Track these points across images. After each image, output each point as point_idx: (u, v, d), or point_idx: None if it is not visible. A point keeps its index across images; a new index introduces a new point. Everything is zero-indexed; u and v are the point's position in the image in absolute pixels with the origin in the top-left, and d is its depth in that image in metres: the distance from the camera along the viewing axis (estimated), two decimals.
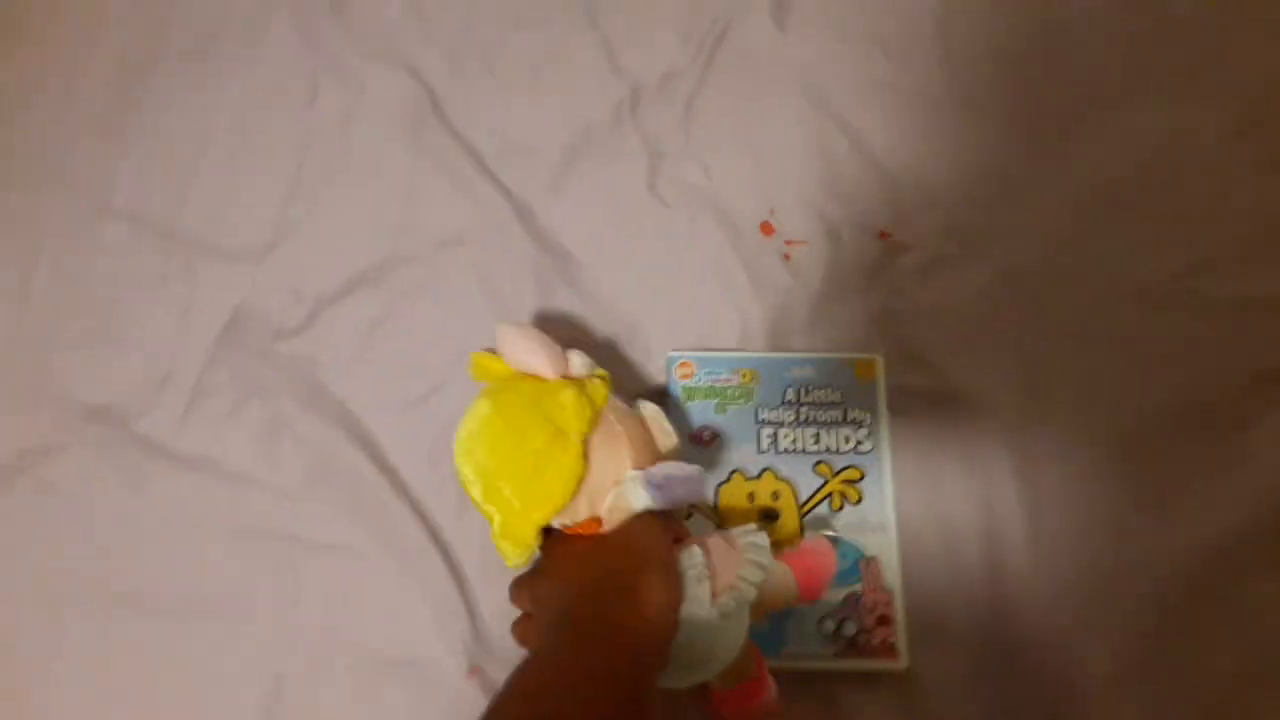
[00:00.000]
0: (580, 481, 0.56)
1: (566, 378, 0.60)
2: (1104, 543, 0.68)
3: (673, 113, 0.83)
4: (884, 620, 0.66)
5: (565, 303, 0.77)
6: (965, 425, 0.72)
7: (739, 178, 0.81)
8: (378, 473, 0.71)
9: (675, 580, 0.54)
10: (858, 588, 0.67)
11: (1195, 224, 0.77)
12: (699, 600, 0.54)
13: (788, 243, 0.78)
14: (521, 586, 0.59)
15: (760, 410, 0.72)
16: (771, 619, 0.65)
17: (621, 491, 0.56)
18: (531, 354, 0.59)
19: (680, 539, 0.59)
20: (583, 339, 0.75)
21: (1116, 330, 0.74)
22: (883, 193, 0.79)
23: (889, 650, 0.65)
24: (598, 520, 0.57)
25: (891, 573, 0.67)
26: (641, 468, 0.58)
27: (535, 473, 0.56)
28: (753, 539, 0.58)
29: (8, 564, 0.70)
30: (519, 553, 0.57)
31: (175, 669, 0.67)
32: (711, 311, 0.76)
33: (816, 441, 0.71)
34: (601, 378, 0.62)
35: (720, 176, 0.81)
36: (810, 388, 0.72)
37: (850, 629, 0.66)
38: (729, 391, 0.72)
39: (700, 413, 0.72)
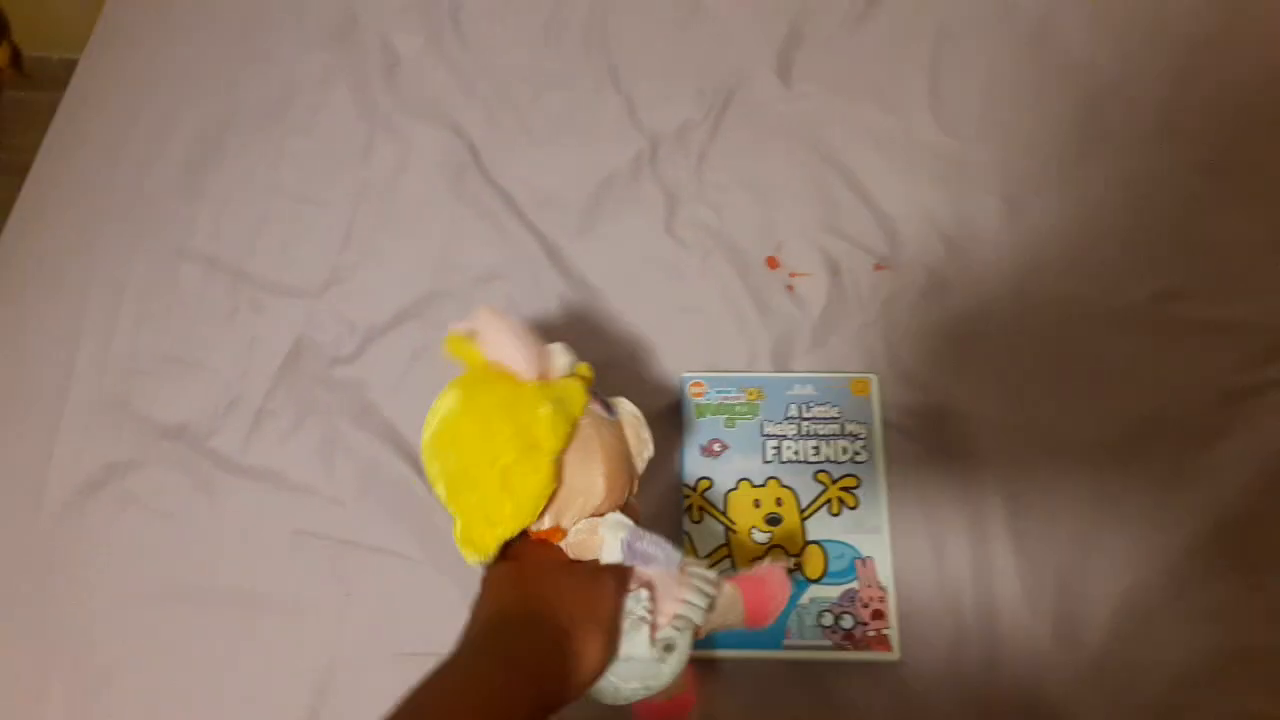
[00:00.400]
0: (550, 499, 0.54)
1: (544, 379, 0.57)
2: (1077, 547, 0.73)
3: (687, 162, 0.92)
4: (878, 615, 0.72)
5: (589, 329, 0.85)
6: (952, 438, 0.78)
7: (747, 218, 0.89)
8: (421, 483, 0.79)
9: (610, 646, 0.54)
10: (854, 585, 0.73)
11: (1165, 254, 0.83)
12: (639, 643, 0.55)
13: (791, 275, 0.86)
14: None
15: (765, 425, 0.79)
16: None
17: (600, 538, 0.55)
18: (510, 349, 0.56)
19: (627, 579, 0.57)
20: (603, 359, 0.82)
21: (1091, 351, 0.80)
22: (877, 229, 0.87)
23: (883, 642, 0.71)
24: (562, 531, 0.57)
25: (885, 571, 0.73)
26: (615, 479, 0.57)
27: (503, 488, 0.53)
28: (701, 574, 0.59)
29: (93, 565, 0.78)
30: (478, 559, 0.56)
31: (240, 656, 0.75)
32: (722, 337, 0.84)
33: (817, 452, 0.78)
34: (583, 376, 0.59)
35: (730, 217, 0.89)
36: (811, 404, 0.79)
37: (847, 622, 0.72)
38: (737, 408, 0.80)
39: (711, 427, 0.79)
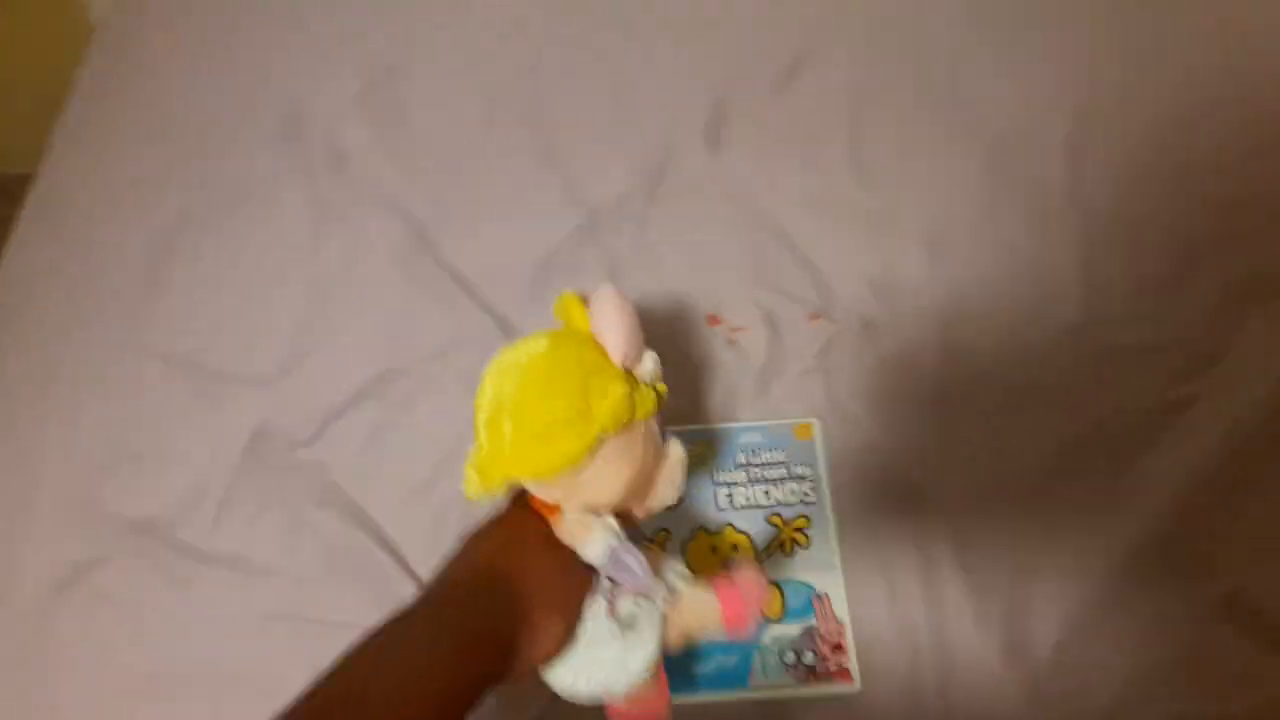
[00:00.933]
0: (573, 470, 0.55)
1: (629, 370, 0.58)
2: (1021, 568, 0.76)
3: (626, 230, 0.97)
4: (838, 648, 0.74)
5: None
6: (894, 473, 0.81)
7: (686, 278, 0.93)
8: (386, 557, 0.81)
9: (567, 632, 0.55)
10: (813, 621, 0.75)
11: (1077, 288, 0.89)
12: (600, 629, 0.56)
13: (732, 329, 0.90)
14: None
15: (716, 474, 0.82)
16: (737, 655, 0.74)
17: (590, 534, 0.56)
18: (613, 330, 0.56)
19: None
20: None
21: (1018, 382, 0.84)
22: (810, 282, 0.92)
23: (844, 674, 0.73)
24: (559, 512, 0.58)
25: (841, 606, 0.76)
26: (633, 494, 0.58)
27: (540, 437, 0.54)
28: (673, 564, 0.62)
29: (65, 661, 0.78)
30: (479, 493, 0.56)
31: None
32: (669, 392, 0.87)
33: (767, 496, 0.81)
34: (659, 393, 0.60)
35: (671, 280, 0.93)
36: (758, 450, 0.83)
37: (809, 658, 0.74)
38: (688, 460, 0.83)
39: None
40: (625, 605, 0.58)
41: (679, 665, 0.71)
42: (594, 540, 0.56)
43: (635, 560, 0.57)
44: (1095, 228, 0.93)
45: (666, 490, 0.62)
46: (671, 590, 0.61)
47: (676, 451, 0.62)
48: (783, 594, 0.77)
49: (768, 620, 0.75)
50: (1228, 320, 0.86)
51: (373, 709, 0.45)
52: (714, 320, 0.91)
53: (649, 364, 0.59)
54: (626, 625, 0.58)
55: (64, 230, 1.02)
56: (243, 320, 0.94)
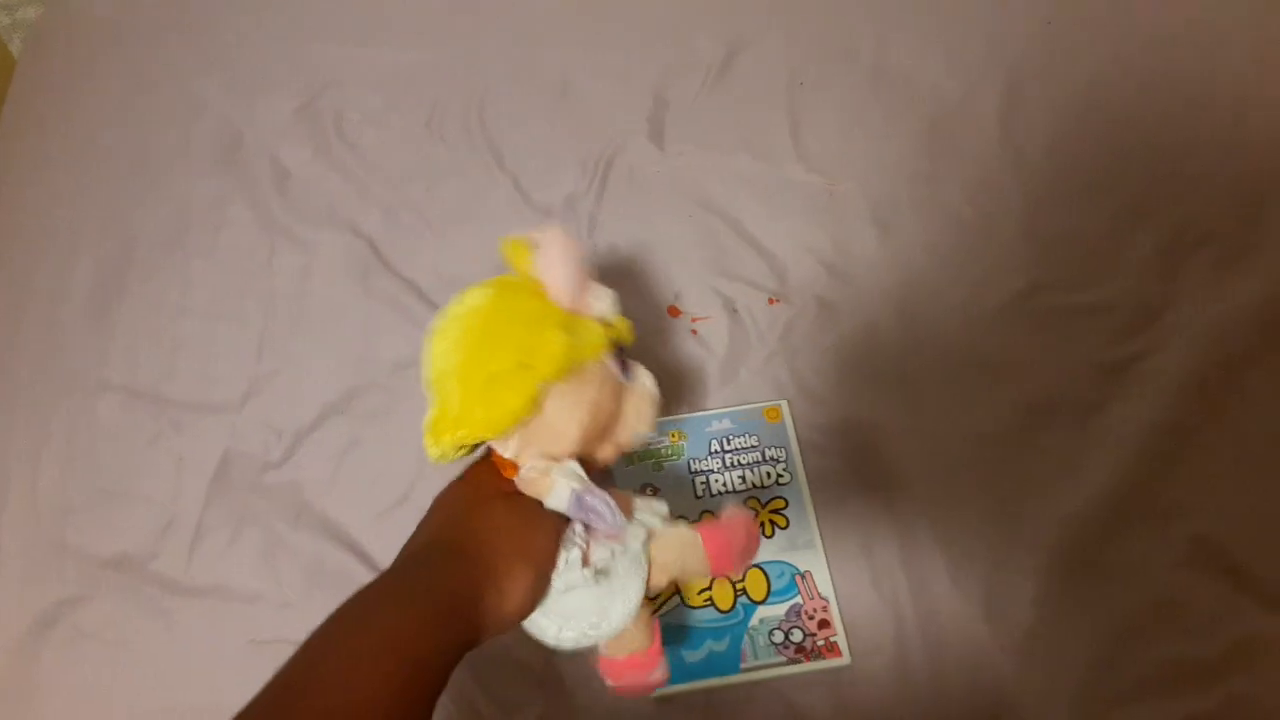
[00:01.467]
0: (519, 423, 0.54)
1: (577, 312, 0.56)
2: (995, 529, 0.79)
3: (579, 229, 0.97)
4: (825, 624, 0.76)
5: None
6: (864, 447, 0.83)
7: (644, 273, 0.94)
8: (369, 573, 0.81)
9: (540, 585, 0.53)
10: (798, 599, 0.77)
11: (1020, 253, 0.92)
12: (574, 576, 0.54)
13: (693, 320, 0.91)
14: None
15: (691, 463, 0.83)
16: (727, 639, 0.75)
17: (551, 481, 0.54)
18: (556, 270, 0.55)
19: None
20: None
21: (974, 349, 0.87)
22: (766, 267, 0.93)
23: (833, 649, 0.75)
24: (515, 467, 0.56)
25: (824, 582, 0.78)
26: (591, 436, 0.56)
27: (482, 394, 0.53)
28: (650, 504, 0.60)
29: (51, 704, 0.77)
30: (435, 456, 0.55)
31: None
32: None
33: (743, 481, 0.82)
34: (615, 330, 0.58)
35: (627, 275, 0.94)
36: (730, 437, 0.84)
37: (797, 636, 0.76)
38: (663, 451, 0.84)
39: (641, 473, 0.83)
40: (600, 552, 0.56)
41: (670, 656, 0.72)
42: (555, 487, 0.54)
43: (601, 502, 0.54)
44: (1035, 192, 0.95)
45: (636, 424, 0.59)
46: (649, 530, 0.59)
47: (645, 383, 0.60)
48: (767, 575, 0.78)
49: (754, 602, 0.77)
50: (1168, 273, 0.89)
51: (341, 680, 0.44)
52: (674, 312, 0.92)
53: (605, 302, 0.57)
54: (602, 572, 0.56)
55: (5, 268, 1.00)
56: (200, 347, 0.93)
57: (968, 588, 0.77)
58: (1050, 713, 0.72)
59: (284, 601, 0.80)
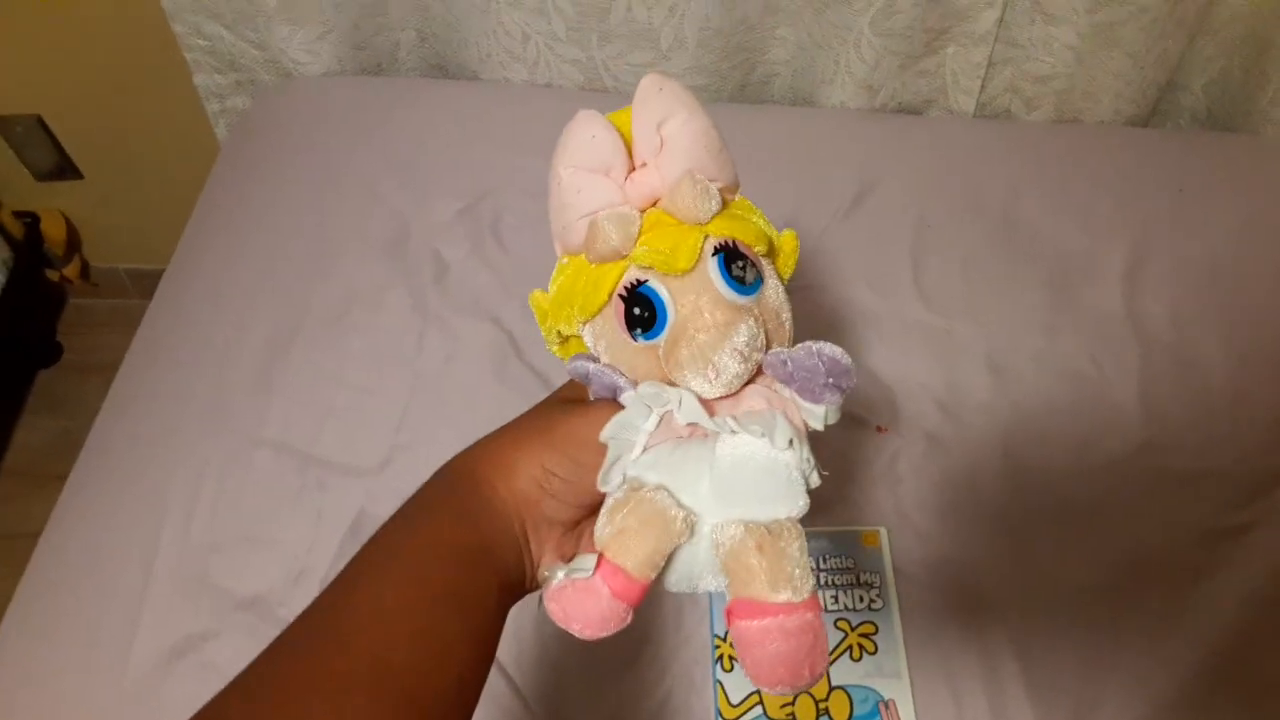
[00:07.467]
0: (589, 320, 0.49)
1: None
2: (1085, 685, 0.79)
3: None
4: None
5: None
6: (960, 584, 0.85)
7: None
8: None
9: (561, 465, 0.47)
10: None
11: (1138, 411, 0.93)
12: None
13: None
14: None
15: None
16: None
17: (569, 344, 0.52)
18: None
19: None
20: None
21: (1080, 501, 0.88)
22: (878, 397, 0.97)
23: None
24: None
25: (908, 713, 0.79)
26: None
27: (566, 289, 0.51)
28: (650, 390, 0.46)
29: None
30: (549, 342, 0.54)
31: None
32: None
33: (835, 601, 0.85)
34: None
35: None
36: (827, 556, 0.87)
37: None
38: None
39: None
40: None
41: None
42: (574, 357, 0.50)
43: (607, 381, 0.48)
44: (1154, 356, 0.97)
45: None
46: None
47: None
48: (850, 699, 0.80)
49: None
50: None
51: (374, 616, 0.42)
52: None
53: (707, 201, 0.47)
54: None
55: (186, 328, 1.12)
56: (349, 415, 1.02)
57: None
58: None
59: None
